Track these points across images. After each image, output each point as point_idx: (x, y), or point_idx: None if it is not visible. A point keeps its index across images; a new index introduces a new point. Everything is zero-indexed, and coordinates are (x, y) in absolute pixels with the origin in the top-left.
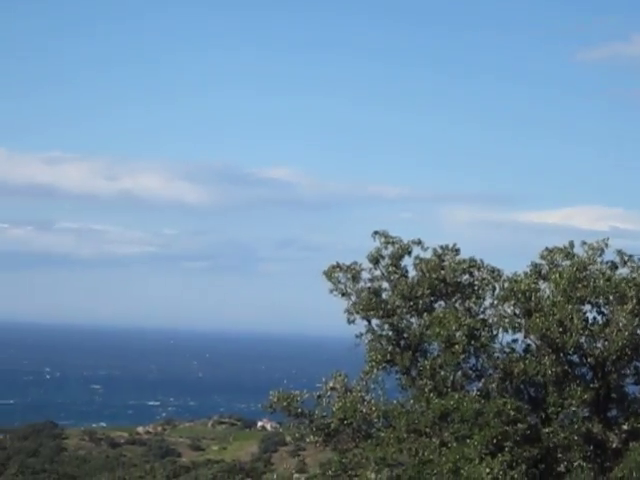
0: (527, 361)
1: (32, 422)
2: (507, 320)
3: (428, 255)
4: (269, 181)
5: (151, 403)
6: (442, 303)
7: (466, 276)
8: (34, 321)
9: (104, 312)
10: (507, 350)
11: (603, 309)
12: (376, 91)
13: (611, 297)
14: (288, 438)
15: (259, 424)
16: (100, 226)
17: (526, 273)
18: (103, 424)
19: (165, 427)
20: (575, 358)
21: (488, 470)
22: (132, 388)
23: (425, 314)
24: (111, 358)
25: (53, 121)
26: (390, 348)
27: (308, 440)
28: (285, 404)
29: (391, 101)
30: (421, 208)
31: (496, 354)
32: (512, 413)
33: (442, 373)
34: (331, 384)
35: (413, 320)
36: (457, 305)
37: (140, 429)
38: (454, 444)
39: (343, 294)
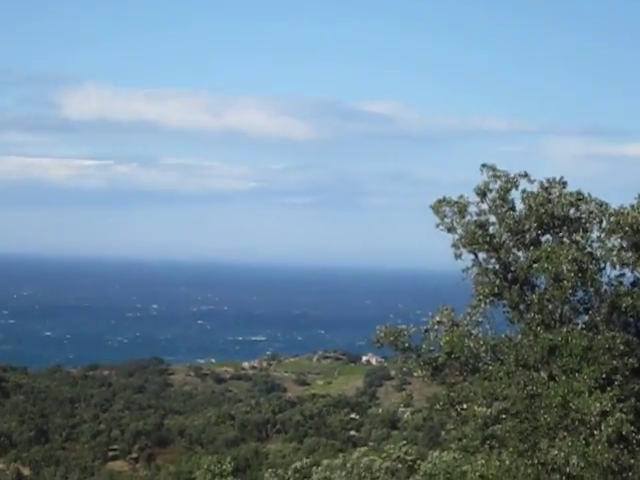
0: (635, 295)
1: (138, 358)
2: (614, 253)
3: (535, 189)
4: (374, 115)
5: (258, 338)
6: (549, 237)
7: (573, 209)
8: (139, 257)
9: (209, 248)
10: (614, 284)
11: None
12: (479, 29)
13: None
14: (393, 372)
15: (364, 359)
16: (205, 162)
17: (633, 206)
18: (212, 360)
19: (270, 362)
20: None
21: (597, 404)
22: (239, 323)
23: (532, 248)
24: (218, 294)
25: (159, 56)
26: (497, 282)
27: (415, 374)
28: (392, 339)
29: (495, 38)
30: (527, 141)
31: (604, 288)
32: (621, 347)
33: (550, 307)
34: (438, 318)
35: (520, 254)
36: (564, 239)
37: (245, 364)
38: (563, 378)
39: (449, 229)
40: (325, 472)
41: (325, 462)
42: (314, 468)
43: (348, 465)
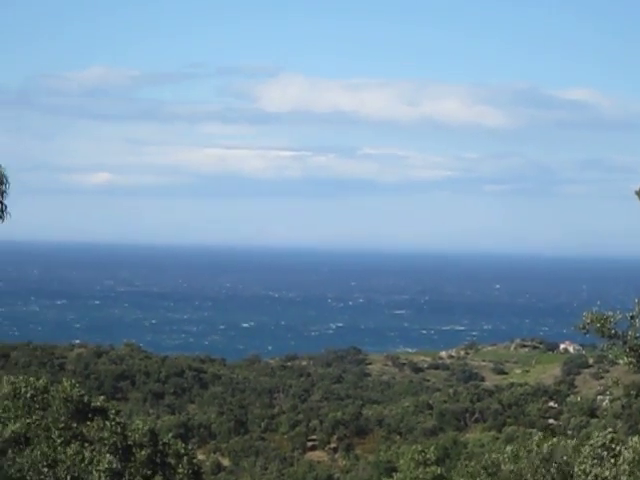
0: None
1: (336, 348)
2: None
3: None
4: (569, 102)
5: (458, 328)
6: None
7: None
8: (336, 247)
9: (406, 237)
10: None
11: None
12: None
13: None
14: (591, 360)
15: (561, 347)
16: (402, 152)
17: None
18: (408, 349)
19: (468, 351)
20: None
21: None
22: (438, 312)
23: None
24: (415, 283)
25: (354, 47)
26: None
27: (621, 362)
28: (599, 325)
29: None
30: None
31: None
32: None
33: None
34: None
35: None
36: None
37: (443, 353)
38: None
39: None
40: (515, 462)
41: (509, 449)
42: (502, 456)
43: (535, 451)
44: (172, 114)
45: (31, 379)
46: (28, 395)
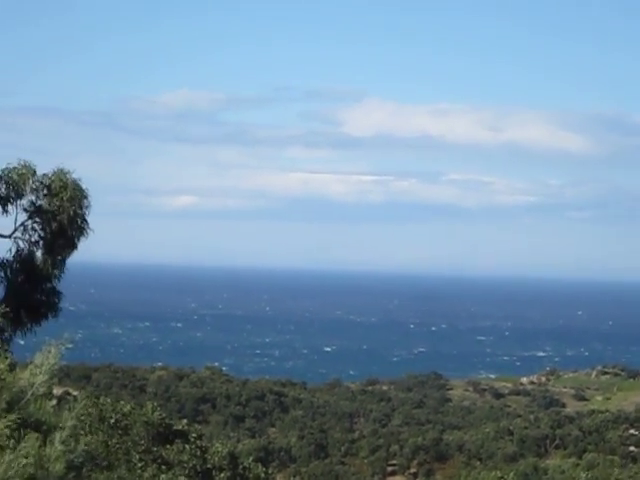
0: None
1: (417, 373)
2: None
3: None
4: None
5: (540, 354)
6: None
7: None
8: (417, 272)
9: (488, 262)
10: None
11: None
12: None
13: None
14: None
15: None
16: (486, 177)
17: None
18: (490, 375)
19: (549, 377)
20: None
21: None
22: (521, 338)
23: None
24: (498, 308)
25: (441, 72)
26: None
27: None
28: None
29: None
30: None
31: None
32: None
33: None
34: None
35: None
36: None
37: (524, 379)
38: None
39: None
40: None
41: (584, 475)
42: None
43: None
44: (256, 138)
45: (120, 403)
46: (112, 420)
